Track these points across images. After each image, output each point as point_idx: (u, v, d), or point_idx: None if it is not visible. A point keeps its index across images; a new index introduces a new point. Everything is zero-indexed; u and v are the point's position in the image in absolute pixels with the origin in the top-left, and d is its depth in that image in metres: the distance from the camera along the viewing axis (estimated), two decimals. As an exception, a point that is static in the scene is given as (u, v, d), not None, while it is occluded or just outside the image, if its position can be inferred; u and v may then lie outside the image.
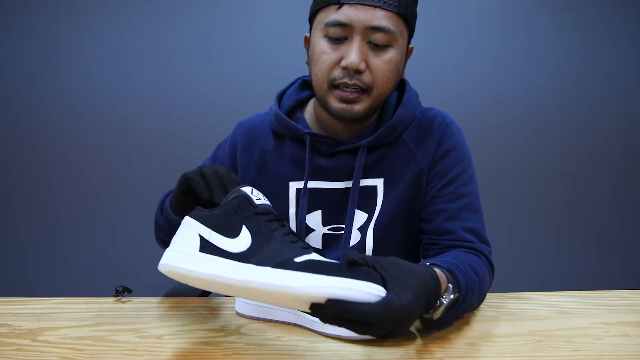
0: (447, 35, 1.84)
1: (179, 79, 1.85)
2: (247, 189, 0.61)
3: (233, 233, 0.57)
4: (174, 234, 0.62)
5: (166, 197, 0.94)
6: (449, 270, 0.66)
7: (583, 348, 0.62)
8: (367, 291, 0.50)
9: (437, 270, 0.62)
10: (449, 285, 0.63)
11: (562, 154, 1.90)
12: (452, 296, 0.62)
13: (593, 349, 0.62)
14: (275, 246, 0.55)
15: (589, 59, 1.87)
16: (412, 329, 0.67)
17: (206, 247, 0.56)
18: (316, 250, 0.61)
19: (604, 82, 1.88)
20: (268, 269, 0.52)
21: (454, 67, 1.85)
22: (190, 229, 0.59)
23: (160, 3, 1.82)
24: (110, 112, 1.85)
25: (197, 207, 0.63)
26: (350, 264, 0.53)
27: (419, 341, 0.65)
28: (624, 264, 1.93)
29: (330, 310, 0.50)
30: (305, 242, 0.59)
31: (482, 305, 0.77)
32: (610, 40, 1.86)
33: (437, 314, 0.61)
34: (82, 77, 1.85)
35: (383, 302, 0.51)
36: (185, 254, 0.56)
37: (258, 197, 0.61)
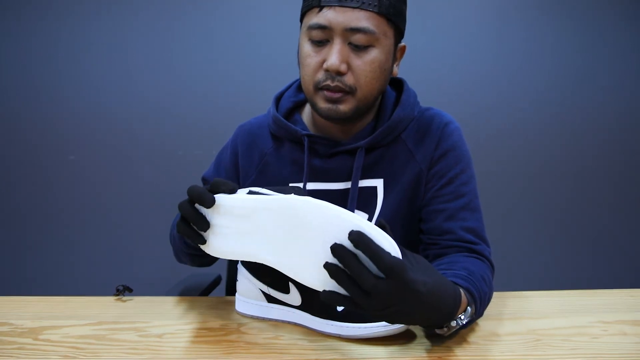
0: (446, 36, 1.84)
1: (179, 79, 1.85)
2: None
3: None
4: (199, 254, 0.75)
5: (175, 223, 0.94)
6: (467, 291, 0.66)
7: (581, 347, 0.63)
8: (393, 245, 0.54)
9: (461, 290, 0.63)
10: (468, 307, 0.63)
11: (562, 154, 1.91)
12: (469, 318, 0.63)
13: (591, 348, 0.62)
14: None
15: (588, 60, 1.87)
16: (412, 328, 0.67)
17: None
18: None
19: (604, 82, 1.88)
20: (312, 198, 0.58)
21: (453, 67, 1.85)
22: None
23: (161, 4, 1.83)
24: (110, 112, 1.86)
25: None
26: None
27: (418, 340, 0.65)
28: (622, 264, 1.93)
29: (352, 241, 0.52)
30: None
31: (481, 304, 0.77)
32: (611, 40, 1.86)
33: (450, 331, 0.62)
34: (83, 78, 1.85)
35: (399, 259, 0.52)
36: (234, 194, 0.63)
37: None
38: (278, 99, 0.93)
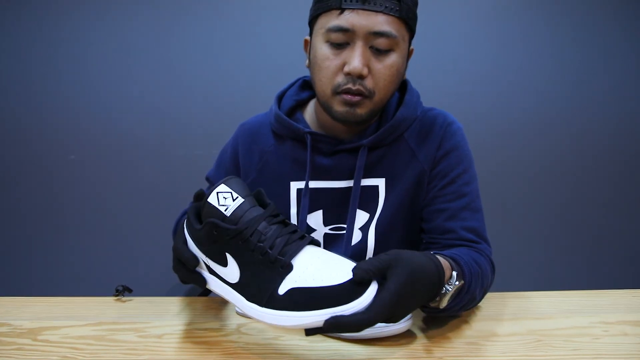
0: (449, 36, 1.84)
1: (180, 79, 1.85)
2: (213, 199, 0.59)
3: (222, 261, 0.59)
4: None
5: (179, 220, 0.95)
6: (452, 259, 0.67)
7: (582, 347, 0.62)
8: (350, 312, 0.52)
9: (440, 258, 0.63)
10: (453, 272, 0.64)
11: (563, 155, 1.90)
12: (457, 283, 0.63)
13: (592, 348, 0.62)
14: (259, 273, 0.57)
15: (591, 61, 1.86)
16: (412, 328, 0.67)
17: (211, 271, 0.61)
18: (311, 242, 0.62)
19: (605, 84, 1.87)
20: (259, 309, 0.56)
21: (455, 68, 1.85)
22: (195, 250, 0.63)
23: (161, 5, 1.82)
24: (111, 112, 1.86)
25: (187, 216, 0.64)
26: (358, 283, 0.54)
27: (419, 340, 0.65)
28: (623, 264, 1.93)
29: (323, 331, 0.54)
30: (284, 246, 0.58)
31: (482, 305, 0.77)
32: (613, 41, 1.86)
33: (444, 302, 0.62)
34: (83, 77, 1.85)
35: (369, 306, 0.52)
36: (211, 277, 0.62)
37: (225, 205, 0.59)
38: (280, 98, 0.92)
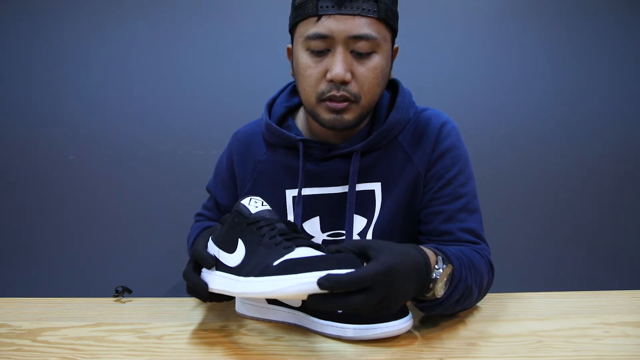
0: (451, 39, 1.84)
1: (179, 79, 1.85)
2: (245, 201, 0.66)
3: (232, 248, 0.64)
4: None
5: (197, 233, 0.94)
6: (434, 248, 0.68)
7: (583, 348, 0.62)
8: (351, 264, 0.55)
9: (421, 246, 0.65)
10: (438, 257, 0.64)
11: (563, 156, 1.90)
12: (444, 266, 0.63)
13: (593, 349, 0.62)
14: (262, 253, 0.61)
15: (591, 65, 1.87)
16: (413, 329, 0.67)
17: (218, 264, 0.64)
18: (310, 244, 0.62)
19: (605, 88, 1.88)
20: (252, 279, 0.58)
21: (457, 72, 1.85)
22: (212, 250, 0.67)
23: (162, 8, 1.83)
24: (110, 112, 1.86)
25: (216, 225, 0.71)
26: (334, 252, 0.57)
27: (418, 341, 0.65)
28: (624, 265, 1.93)
29: (326, 287, 0.53)
30: (292, 238, 0.62)
31: (482, 306, 0.77)
32: (613, 44, 1.86)
33: (438, 289, 0.62)
34: (82, 77, 1.85)
35: (360, 269, 0.53)
36: (209, 273, 0.65)
37: (256, 205, 0.66)
38: (270, 106, 0.91)
